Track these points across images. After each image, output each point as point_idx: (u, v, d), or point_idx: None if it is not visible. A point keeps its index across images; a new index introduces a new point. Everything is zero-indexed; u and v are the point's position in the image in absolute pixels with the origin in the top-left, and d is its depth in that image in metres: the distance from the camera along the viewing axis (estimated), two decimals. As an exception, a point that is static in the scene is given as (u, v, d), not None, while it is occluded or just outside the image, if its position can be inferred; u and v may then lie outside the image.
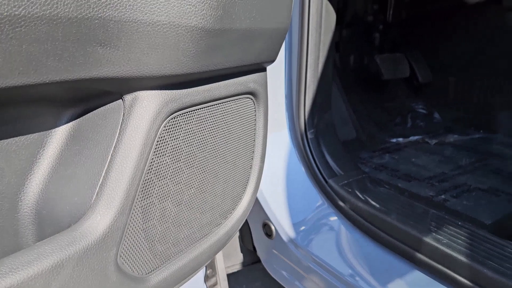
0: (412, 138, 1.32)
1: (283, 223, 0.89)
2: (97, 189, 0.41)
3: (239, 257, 1.08)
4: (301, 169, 0.91)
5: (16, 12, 0.30)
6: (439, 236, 0.72)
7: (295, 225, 0.89)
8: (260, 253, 1.01)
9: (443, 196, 0.96)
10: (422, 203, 0.87)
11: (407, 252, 0.74)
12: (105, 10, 0.35)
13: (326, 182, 0.88)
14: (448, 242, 0.71)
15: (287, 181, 0.91)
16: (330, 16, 0.92)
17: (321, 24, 0.88)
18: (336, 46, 1.43)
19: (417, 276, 0.73)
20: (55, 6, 0.32)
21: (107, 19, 0.36)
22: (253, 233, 1.00)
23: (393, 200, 0.84)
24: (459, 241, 0.71)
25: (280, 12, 0.53)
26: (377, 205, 0.82)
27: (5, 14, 0.29)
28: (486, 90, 1.40)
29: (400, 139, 1.31)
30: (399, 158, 1.19)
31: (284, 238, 0.89)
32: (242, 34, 0.47)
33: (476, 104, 1.43)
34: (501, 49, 1.34)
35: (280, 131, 0.93)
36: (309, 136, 0.92)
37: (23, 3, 0.30)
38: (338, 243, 0.84)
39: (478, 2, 1.35)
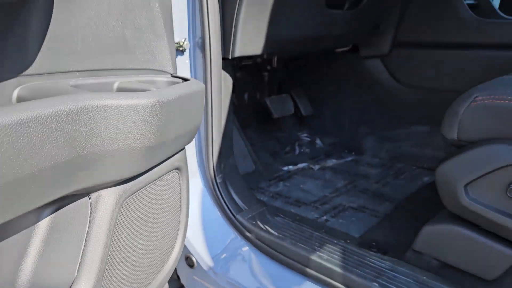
0: (300, 165, 1.59)
1: (202, 255, 1.08)
2: (77, 267, 0.56)
3: (165, 285, 1.24)
4: (214, 209, 1.11)
5: (33, 170, 0.45)
6: (321, 254, 0.97)
7: (213, 256, 1.08)
8: (183, 280, 1.18)
9: (324, 217, 1.23)
10: (309, 225, 1.12)
11: (300, 268, 0.98)
12: (85, 149, 0.51)
13: (235, 217, 1.09)
14: (328, 258, 0.96)
15: (204, 220, 1.10)
16: (228, 82, 1.14)
17: (221, 91, 1.09)
18: (233, 86, 1.66)
19: (309, 286, 0.97)
20: (55, 157, 0.47)
21: (86, 154, 0.52)
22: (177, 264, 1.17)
23: (287, 227, 1.08)
24: (335, 255, 0.97)
25: (196, 114, 0.72)
26: (275, 233, 1.05)
27: (26, 173, 0.44)
28: (353, 120, 1.74)
29: (291, 167, 1.58)
30: (291, 185, 1.45)
31: (204, 267, 1.08)
32: (173, 139, 0.66)
33: (347, 131, 1.76)
34: (360, 88, 1.68)
35: (195, 179, 1.12)
36: (218, 180, 1.13)
37: (35, 162, 0.45)
38: (248, 266, 1.05)
39: (343, 51, 1.68)
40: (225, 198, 1.11)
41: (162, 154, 0.65)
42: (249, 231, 1.07)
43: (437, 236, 0.92)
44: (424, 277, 0.88)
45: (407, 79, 1.58)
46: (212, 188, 1.11)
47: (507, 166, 0.79)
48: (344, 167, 1.59)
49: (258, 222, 1.08)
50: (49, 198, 0.49)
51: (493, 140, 0.83)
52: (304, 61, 1.78)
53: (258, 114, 1.73)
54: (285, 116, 1.71)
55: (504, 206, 0.81)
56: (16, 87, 0.54)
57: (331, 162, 1.63)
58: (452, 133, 0.89)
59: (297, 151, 1.71)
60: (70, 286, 0.56)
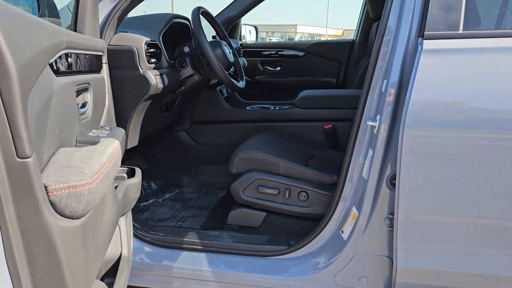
0: (150, 200, 2.60)
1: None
2: (120, 246, 1.48)
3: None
4: (126, 230, 2.04)
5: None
6: (187, 236, 2.04)
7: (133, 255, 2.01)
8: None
9: (179, 223, 2.30)
10: (173, 228, 2.17)
11: (179, 247, 2.01)
12: (129, 198, 1.46)
13: (138, 232, 2.05)
14: (190, 237, 2.03)
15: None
16: (120, 161, 2.10)
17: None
18: None
19: (186, 254, 2.02)
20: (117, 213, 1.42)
21: (129, 200, 1.47)
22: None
23: (165, 230, 2.10)
24: (193, 235, 2.05)
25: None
26: (162, 234, 2.06)
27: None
28: (173, 167, 2.85)
29: (145, 202, 2.57)
30: (151, 212, 2.45)
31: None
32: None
33: (170, 175, 2.85)
34: (175, 149, 2.81)
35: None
36: (123, 215, 2.06)
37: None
38: (152, 255, 2.02)
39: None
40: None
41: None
42: (147, 237, 2.05)
43: (236, 215, 2.12)
44: (233, 233, 2.07)
45: (202, 141, 2.80)
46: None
47: (255, 180, 2.05)
48: (176, 197, 2.68)
49: (151, 232, 2.07)
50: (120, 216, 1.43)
51: (249, 170, 2.08)
52: None
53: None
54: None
55: (257, 195, 2.07)
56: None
57: (167, 195, 2.69)
58: (233, 170, 2.12)
59: (143, 193, 2.70)
60: (120, 252, 1.48)
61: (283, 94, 3.72)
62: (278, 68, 3.80)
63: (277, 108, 2.78)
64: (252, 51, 3.76)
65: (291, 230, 2.07)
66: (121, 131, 1.38)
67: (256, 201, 2.07)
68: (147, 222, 2.31)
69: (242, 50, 3.56)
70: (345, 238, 1.78)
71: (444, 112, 1.47)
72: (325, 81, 3.60)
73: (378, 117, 1.65)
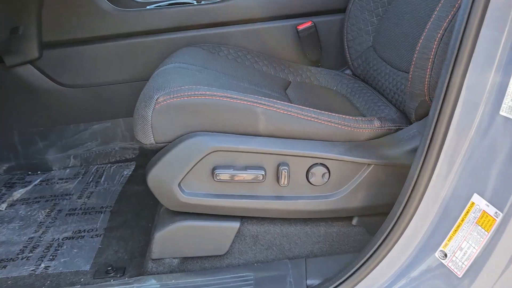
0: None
1: None
2: None
3: None
4: None
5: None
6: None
7: None
8: None
9: (43, 265, 1.06)
10: (30, 283, 0.95)
11: None
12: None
13: None
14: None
15: None
16: None
17: None
18: None
19: None
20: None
21: None
22: None
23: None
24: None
25: None
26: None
27: None
28: (25, 137, 1.51)
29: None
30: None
31: None
32: None
33: (22, 151, 1.53)
34: (20, 101, 1.47)
35: None
36: None
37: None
38: None
39: None
40: None
41: None
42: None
43: (170, 238, 0.94)
44: (173, 280, 0.91)
45: (71, 80, 1.47)
46: None
47: (209, 153, 0.87)
48: (36, 194, 1.39)
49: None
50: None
51: (190, 134, 0.89)
52: None
53: None
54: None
55: (214, 189, 0.90)
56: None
57: (18, 193, 1.39)
58: (149, 138, 0.90)
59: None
60: None
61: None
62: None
63: (202, 2, 1.53)
64: None
65: (303, 252, 0.97)
66: None
67: (214, 202, 0.91)
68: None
69: None
70: (460, 273, 0.75)
71: None
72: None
73: None
